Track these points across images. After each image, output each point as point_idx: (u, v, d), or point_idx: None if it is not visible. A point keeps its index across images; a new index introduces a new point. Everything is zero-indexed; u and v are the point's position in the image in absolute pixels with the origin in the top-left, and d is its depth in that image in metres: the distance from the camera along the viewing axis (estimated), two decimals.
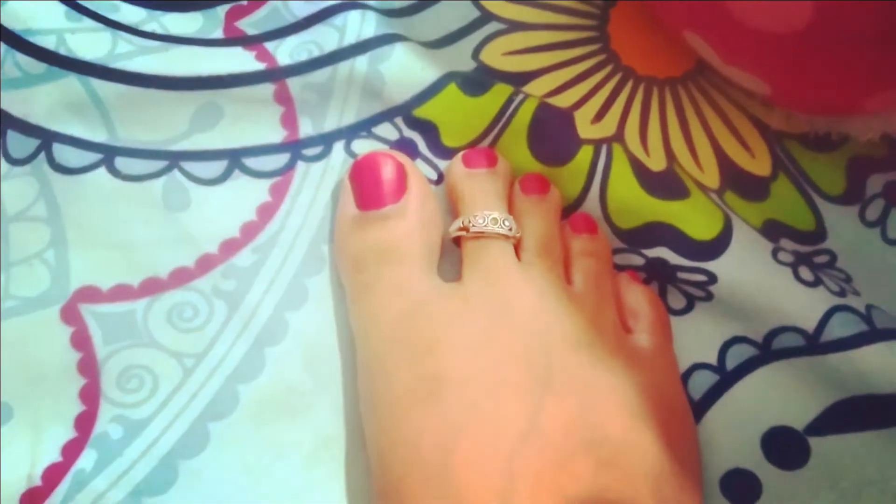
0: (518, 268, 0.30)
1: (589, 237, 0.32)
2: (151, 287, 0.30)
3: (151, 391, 0.29)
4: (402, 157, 0.32)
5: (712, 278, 0.30)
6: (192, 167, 0.32)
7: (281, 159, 0.31)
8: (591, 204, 0.32)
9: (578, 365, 0.27)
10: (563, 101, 0.32)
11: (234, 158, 0.32)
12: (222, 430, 0.29)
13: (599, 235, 0.32)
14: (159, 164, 0.31)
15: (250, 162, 0.32)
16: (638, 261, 0.32)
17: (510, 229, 0.31)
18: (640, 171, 0.33)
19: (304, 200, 0.31)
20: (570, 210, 0.32)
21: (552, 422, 0.27)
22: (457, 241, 0.32)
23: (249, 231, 0.31)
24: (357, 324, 0.30)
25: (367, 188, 0.30)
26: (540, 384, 0.27)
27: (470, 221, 0.31)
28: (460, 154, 0.32)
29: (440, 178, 0.32)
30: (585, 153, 0.33)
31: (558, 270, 0.31)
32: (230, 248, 0.31)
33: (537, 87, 0.33)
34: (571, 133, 0.33)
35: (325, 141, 0.31)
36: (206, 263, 0.30)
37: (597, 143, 0.33)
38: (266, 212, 0.31)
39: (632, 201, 0.31)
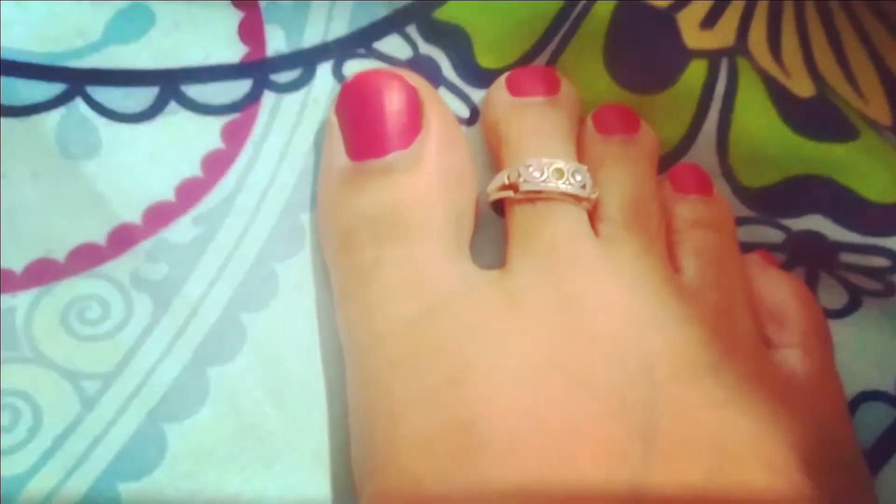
0: (596, 246, 0.20)
1: (702, 199, 0.22)
2: (41, 273, 0.22)
3: (28, 434, 0.20)
4: (416, 79, 0.22)
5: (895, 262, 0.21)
6: (105, 95, 0.23)
7: (240, 87, 0.23)
8: (704, 150, 0.23)
9: (699, 404, 0.19)
10: None
11: (169, 84, 0.23)
12: (138, 496, 0.19)
13: (717, 197, 0.23)
14: (54, 90, 0.22)
15: (193, 91, 0.23)
16: (775, 236, 0.23)
17: (582, 186, 0.21)
18: (781, 97, 0.22)
19: (272, 148, 0.23)
20: (670, 160, 0.23)
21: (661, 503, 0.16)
22: (499, 207, 0.22)
23: (190, 192, 0.22)
24: (348, 333, 0.21)
25: (362, 126, 0.21)
26: (638, 438, 0.18)
27: (520, 175, 0.20)
28: (504, 77, 0.23)
29: (474, 115, 0.23)
30: (695, 71, 0.23)
31: (658, 250, 0.21)
32: (160, 216, 0.22)
33: None
34: (673, 42, 0.23)
35: (305, 61, 0.23)
36: (122, 238, 0.22)
37: (712, 56, 0.22)
38: (216, 164, 0.23)
39: (769, 144, 0.22)
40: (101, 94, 0.22)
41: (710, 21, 0.23)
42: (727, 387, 0.19)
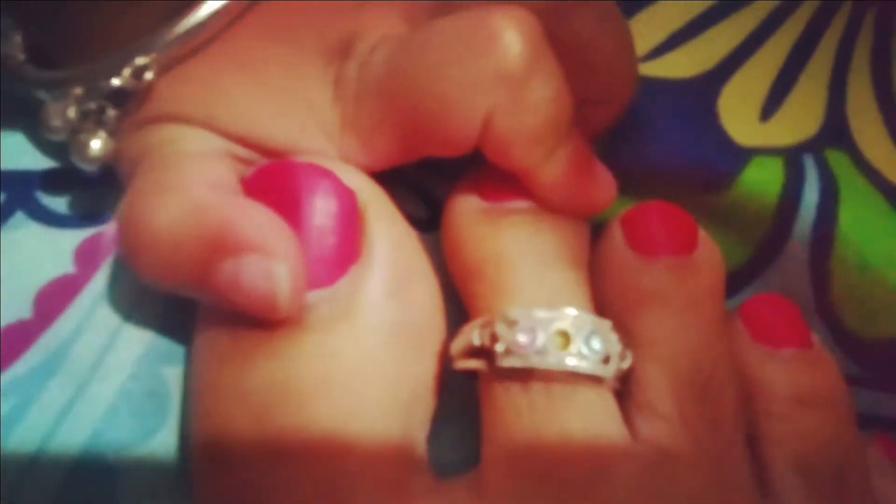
0: (632, 465, 0.13)
1: (801, 357, 0.14)
2: None
3: None
4: (356, 178, 0.14)
5: None
6: None
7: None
8: (792, 273, 0.15)
9: None
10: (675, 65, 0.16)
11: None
12: None
13: (819, 350, 0.15)
14: None
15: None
16: None
17: (605, 360, 0.13)
18: None
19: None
20: (736, 284, 0.16)
21: None
22: (472, 374, 0.14)
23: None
24: None
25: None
26: None
27: (498, 339, 0.13)
28: (468, 174, 0.15)
29: (433, 219, 0.15)
30: (763, 171, 0.15)
31: (739, 465, 0.13)
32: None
33: None
34: (715, 134, 0.15)
35: None
36: None
37: (789, 154, 0.15)
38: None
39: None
40: None
41: (774, 101, 0.16)
42: None
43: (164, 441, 0.15)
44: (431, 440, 0.14)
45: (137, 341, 0.15)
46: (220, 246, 0.12)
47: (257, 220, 0.12)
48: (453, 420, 0.15)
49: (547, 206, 0.14)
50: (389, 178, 0.15)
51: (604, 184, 0.15)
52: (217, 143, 0.14)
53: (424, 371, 0.13)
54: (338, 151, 0.14)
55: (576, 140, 0.14)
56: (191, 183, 0.13)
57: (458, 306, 0.14)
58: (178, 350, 0.15)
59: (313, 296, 0.13)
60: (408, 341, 0.13)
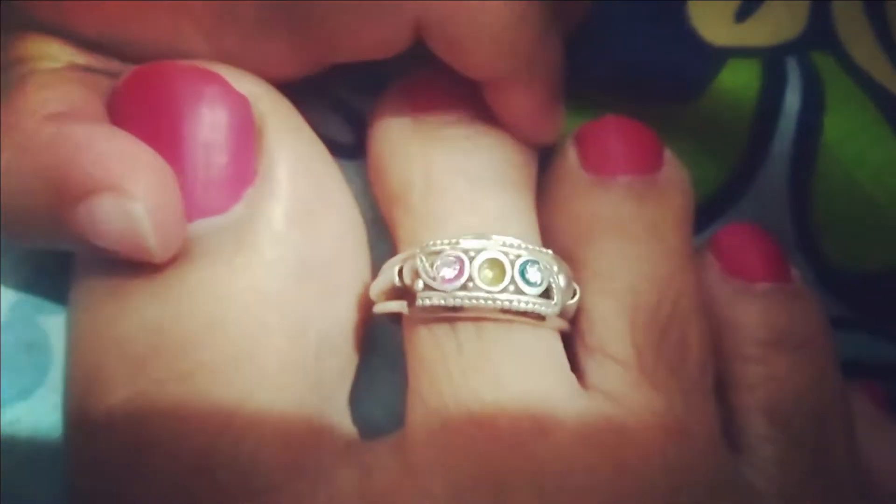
0: (579, 419, 0.11)
1: (778, 291, 0.12)
2: None
3: None
4: (252, 83, 0.12)
5: None
6: None
7: None
8: (766, 204, 0.13)
9: None
10: None
11: None
12: None
13: (798, 285, 0.13)
14: None
15: None
16: (888, 353, 0.14)
17: (545, 293, 0.11)
18: None
19: None
20: (705, 216, 0.14)
21: None
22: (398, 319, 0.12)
23: None
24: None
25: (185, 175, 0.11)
26: None
27: (419, 274, 0.11)
28: (396, 84, 0.13)
29: (358, 144, 0.13)
30: (738, 75, 0.13)
31: (706, 418, 0.11)
32: None
33: None
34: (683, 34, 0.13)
35: None
36: None
37: (769, 56, 0.13)
38: None
39: (887, 197, 0.13)
40: None
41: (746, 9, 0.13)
42: None
43: (43, 399, 0.13)
44: (360, 397, 0.12)
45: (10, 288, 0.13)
46: (65, 190, 0.10)
47: (104, 151, 0.10)
48: (385, 374, 0.13)
49: (509, 128, 0.12)
50: (301, 92, 0.12)
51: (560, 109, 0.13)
52: (69, 55, 0.12)
53: (338, 315, 0.11)
54: (214, 52, 0.12)
55: (556, 49, 0.12)
56: (26, 117, 0.11)
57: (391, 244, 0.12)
58: (59, 296, 0.13)
59: (200, 225, 0.11)
60: (316, 279, 0.11)
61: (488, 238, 0.10)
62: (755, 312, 0.12)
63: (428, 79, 0.12)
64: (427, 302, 0.10)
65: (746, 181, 0.13)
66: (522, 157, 0.12)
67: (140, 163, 0.10)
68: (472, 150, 0.12)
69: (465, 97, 0.12)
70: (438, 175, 0.12)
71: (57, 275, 0.13)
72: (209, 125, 0.11)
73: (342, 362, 0.12)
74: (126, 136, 0.10)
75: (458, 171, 0.12)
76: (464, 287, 0.10)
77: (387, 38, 0.11)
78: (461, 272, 0.10)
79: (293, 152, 0.11)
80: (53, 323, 0.13)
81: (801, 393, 0.12)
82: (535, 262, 0.10)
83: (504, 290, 0.10)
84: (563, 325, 0.11)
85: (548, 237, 0.12)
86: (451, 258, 0.10)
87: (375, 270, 0.12)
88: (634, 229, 0.12)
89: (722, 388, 0.12)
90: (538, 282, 0.10)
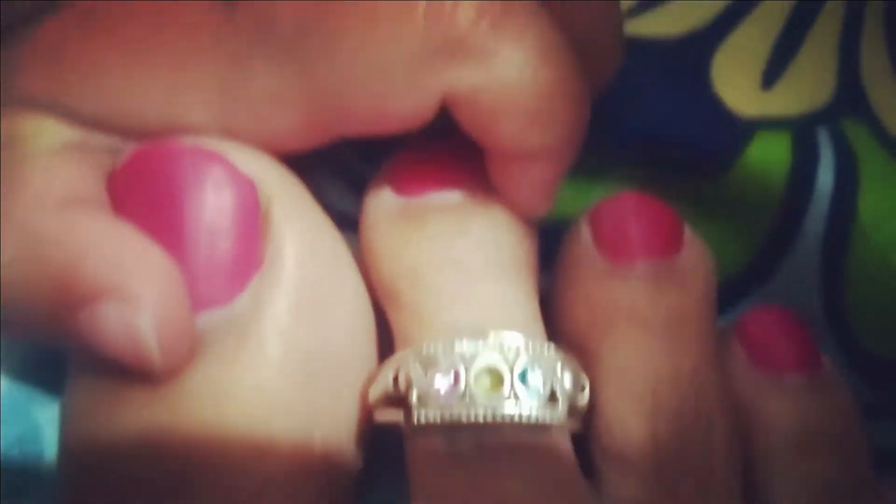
0: None
1: (807, 383, 0.11)
2: None
3: None
4: (260, 163, 0.11)
5: None
6: None
7: None
8: (795, 283, 0.12)
9: None
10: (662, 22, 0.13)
11: None
12: None
13: (830, 374, 0.12)
14: None
15: None
16: None
17: (551, 398, 0.10)
18: None
19: None
20: (730, 298, 0.13)
21: None
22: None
23: None
24: None
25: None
26: None
27: (411, 383, 0.10)
28: (389, 166, 0.12)
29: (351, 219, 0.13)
30: (767, 149, 0.12)
31: None
32: None
33: None
34: (708, 103, 0.13)
35: None
36: None
37: (799, 127, 0.12)
38: None
39: None
40: None
41: (772, 73, 0.13)
42: None
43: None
44: (364, 499, 0.11)
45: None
46: (69, 292, 0.10)
47: (110, 251, 0.10)
48: (392, 475, 0.12)
49: (506, 201, 0.11)
50: (307, 161, 0.12)
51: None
52: (69, 133, 0.11)
53: (345, 414, 0.11)
54: (220, 126, 0.11)
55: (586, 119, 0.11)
56: (30, 205, 0.10)
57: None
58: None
59: (203, 319, 0.10)
60: (323, 377, 0.10)
61: (485, 336, 0.10)
62: (786, 412, 0.11)
63: (414, 156, 0.12)
64: (423, 419, 0.10)
65: (775, 261, 0.12)
66: (517, 234, 0.11)
67: (149, 267, 0.10)
68: (461, 235, 0.11)
69: (455, 170, 0.11)
70: (425, 266, 0.11)
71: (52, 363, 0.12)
72: (212, 210, 0.11)
73: (348, 465, 0.11)
74: (134, 234, 0.10)
75: (446, 260, 0.11)
76: (461, 398, 0.09)
77: (410, 113, 0.11)
78: (457, 382, 0.09)
79: (300, 237, 0.11)
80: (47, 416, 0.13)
81: (835, 496, 0.11)
82: (536, 365, 0.10)
83: (503, 399, 0.09)
84: (572, 426, 0.10)
85: (558, 320, 0.11)
86: (447, 365, 0.10)
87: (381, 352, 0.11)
88: (653, 321, 0.11)
89: (752, 488, 0.11)
90: (540, 387, 0.10)
